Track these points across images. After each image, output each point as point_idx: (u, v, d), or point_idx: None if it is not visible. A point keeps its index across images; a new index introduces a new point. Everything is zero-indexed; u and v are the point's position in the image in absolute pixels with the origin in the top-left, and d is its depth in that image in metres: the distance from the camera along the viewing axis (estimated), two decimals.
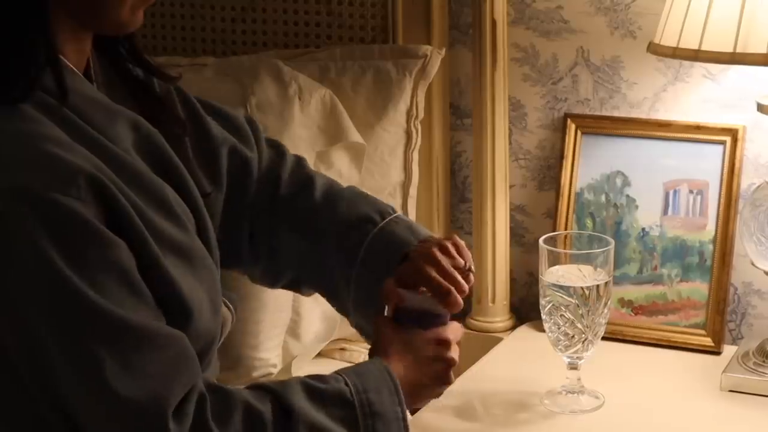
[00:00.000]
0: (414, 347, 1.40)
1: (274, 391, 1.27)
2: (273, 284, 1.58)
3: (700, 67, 1.92)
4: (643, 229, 1.93)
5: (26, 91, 1.18)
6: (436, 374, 1.40)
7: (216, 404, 1.23)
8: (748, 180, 1.90)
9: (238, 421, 1.23)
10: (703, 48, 1.66)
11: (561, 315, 1.67)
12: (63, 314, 1.14)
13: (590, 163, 1.98)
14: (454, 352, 1.40)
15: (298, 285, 1.57)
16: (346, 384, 1.31)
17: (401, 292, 1.41)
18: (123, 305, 1.16)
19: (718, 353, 1.87)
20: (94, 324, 1.15)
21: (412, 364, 1.38)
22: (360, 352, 1.97)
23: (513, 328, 2.03)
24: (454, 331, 1.42)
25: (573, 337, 1.67)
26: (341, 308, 1.53)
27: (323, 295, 1.55)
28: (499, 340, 1.99)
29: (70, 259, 1.14)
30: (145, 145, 1.28)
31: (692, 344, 1.89)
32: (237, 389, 1.27)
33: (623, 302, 1.93)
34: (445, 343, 1.40)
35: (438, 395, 1.43)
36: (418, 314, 1.41)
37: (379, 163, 1.97)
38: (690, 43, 1.68)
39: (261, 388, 1.28)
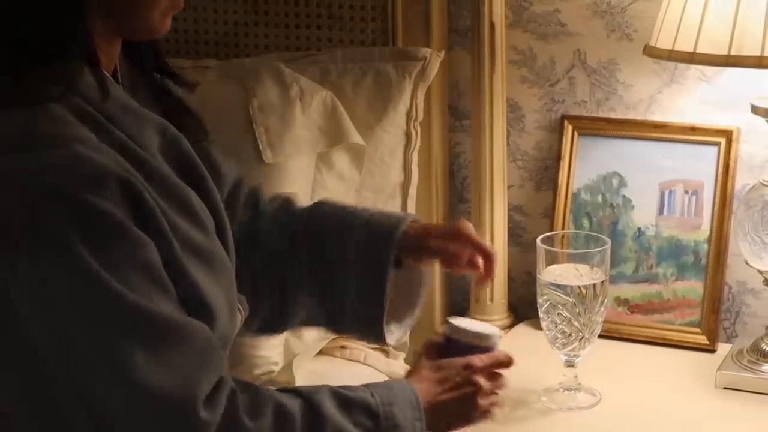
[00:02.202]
0: (442, 369, 1.43)
1: (303, 394, 1.31)
2: (250, 324, 1.54)
3: (695, 70, 1.94)
4: (639, 228, 1.95)
5: (63, 92, 1.21)
6: (461, 396, 1.42)
7: (247, 399, 1.26)
8: (742, 180, 1.92)
9: (269, 416, 1.26)
10: (698, 50, 1.68)
11: (558, 313, 1.69)
12: (94, 309, 1.17)
13: (587, 164, 1.99)
14: (481, 378, 1.42)
15: (283, 315, 1.55)
16: (372, 395, 1.34)
17: (452, 325, 1.46)
18: (151, 300, 1.19)
19: (712, 351, 1.89)
20: (125, 317, 1.17)
21: (438, 384, 1.41)
22: (360, 350, 1.98)
23: (511, 326, 2.05)
24: (487, 357, 1.44)
25: (570, 335, 1.69)
26: (338, 308, 1.52)
27: (317, 308, 1.54)
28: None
29: (101, 256, 1.16)
30: (170, 150, 1.30)
31: (687, 342, 1.91)
32: (267, 388, 1.30)
33: (619, 301, 1.95)
34: (472, 368, 1.42)
35: (470, 421, 1.44)
36: (467, 348, 1.45)
37: (379, 164, 1.98)
38: (685, 45, 1.69)
39: (290, 391, 1.32)
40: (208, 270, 1.28)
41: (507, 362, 1.46)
